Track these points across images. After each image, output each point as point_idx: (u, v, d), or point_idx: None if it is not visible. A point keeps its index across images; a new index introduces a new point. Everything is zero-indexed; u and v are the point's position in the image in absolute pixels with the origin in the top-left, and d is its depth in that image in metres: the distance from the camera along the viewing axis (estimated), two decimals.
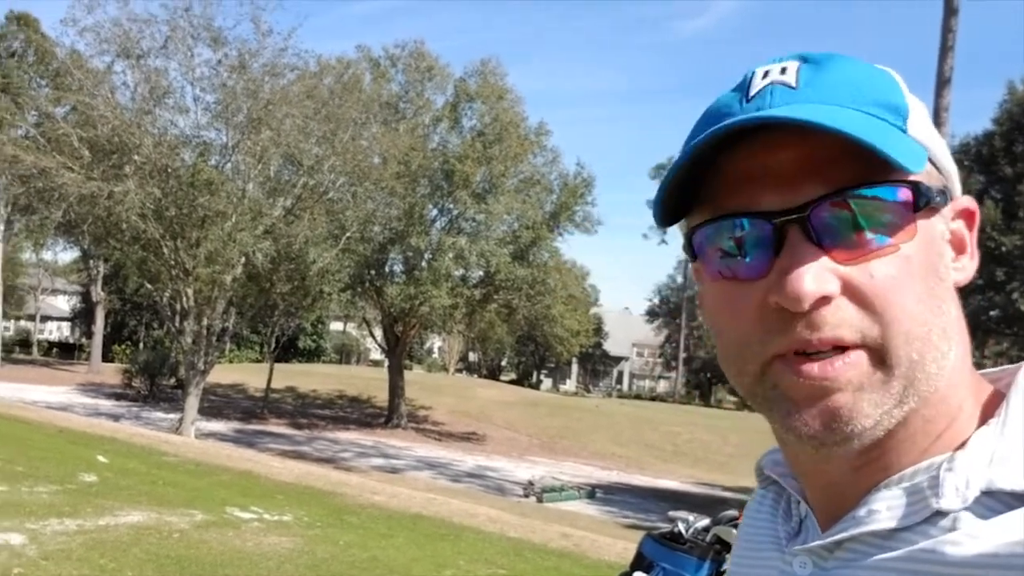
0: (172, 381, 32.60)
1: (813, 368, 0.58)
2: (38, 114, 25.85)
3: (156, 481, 9.84)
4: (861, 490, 0.62)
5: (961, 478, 0.58)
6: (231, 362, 45.64)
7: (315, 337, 58.38)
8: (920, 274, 0.59)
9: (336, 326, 63.25)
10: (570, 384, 70.88)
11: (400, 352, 32.53)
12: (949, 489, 0.58)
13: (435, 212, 31.05)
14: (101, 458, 10.86)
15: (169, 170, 21.00)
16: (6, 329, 50.49)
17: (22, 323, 59.06)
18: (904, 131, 0.60)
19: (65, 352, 53.71)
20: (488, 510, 11.18)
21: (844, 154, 0.57)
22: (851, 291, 0.57)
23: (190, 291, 21.51)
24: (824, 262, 0.57)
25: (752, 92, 0.62)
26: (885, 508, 0.60)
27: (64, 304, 63.16)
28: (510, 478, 22.00)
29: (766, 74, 0.63)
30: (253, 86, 21.23)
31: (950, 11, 16.69)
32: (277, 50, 21.77)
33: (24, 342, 54.87)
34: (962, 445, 0.60)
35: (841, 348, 0.57)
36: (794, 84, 0.61)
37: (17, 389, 27.14)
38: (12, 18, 46.54)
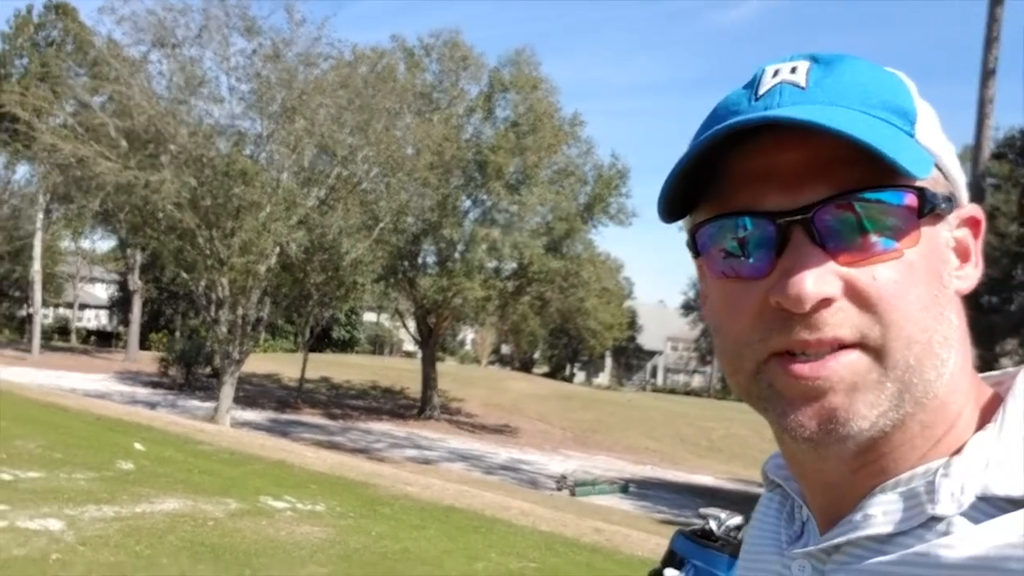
0: (208, 370, 32.96)
1: (805, 368, 0.57)
2: (76, 103, 26.14)
3: (191, 469, 9.90)
4: (858, 493, 0.62)
5: (956, 484, 0.58)
6: (266, 352, 46.00)
7: (349, 328, 58.74)
8: (923, 280, 0.59)
9: (370, 317, 63.54)
10: (603, 378, 70.70)
11: (433, 344, 32.57)
12: (945, 495, 0.58)
13: (468, 203, 31.01)
14: (138, 446, 10.96)
15: (204, 160, 21.14)
16: (45, 317, 51.37)
17: (61, 311, 60.03)
18: (912, 135, 0.59)
19: (103, 340, 54.55)
20: (520, 503, 11.14)
21: (850, 157, 0.57)
22: (853, 293, 0.57)
23: (225, 281, 21.65)
24: (826, 264, 0.57)
25: (761, 91, 0.62)
26: (881, 513, 0.60)
27: (102, 292, 64.09)
28: (543, 471, 21.95)
29: (776, 73, 0.62)
30: (287, 75, 21.31)
31: (996, 0, 16.32)
32: (311, 39, 21.84)
33: (63, 330, 55.81)
34: (959, 450, 0.60)
35: (838, 347, 0.57)
36: (803, 84, 0.60)
37: (56, 376, 27.59)
38: (51, 7, 47.24)
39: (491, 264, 30.16)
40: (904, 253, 0.58)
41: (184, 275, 23.73)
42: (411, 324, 35.58)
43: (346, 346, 58.17)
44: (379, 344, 64.73)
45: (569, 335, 55.74)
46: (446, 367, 40.65)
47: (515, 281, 30.48)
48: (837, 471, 0.62)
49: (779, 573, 0.69)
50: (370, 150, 22.12)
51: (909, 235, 0.58)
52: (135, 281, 44.53)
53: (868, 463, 0.61)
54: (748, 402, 0.63)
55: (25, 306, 51.49)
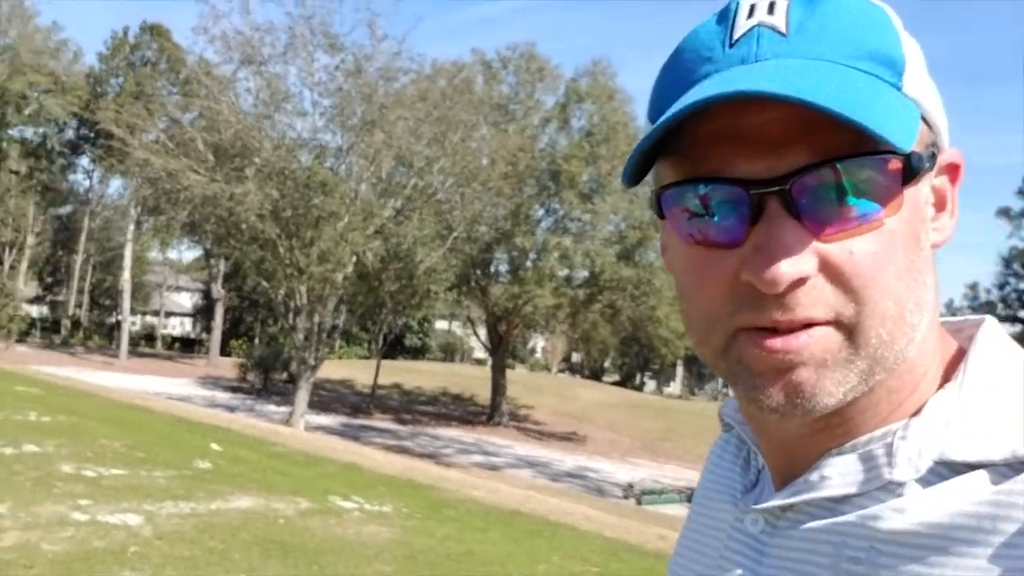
0: (284, 376, 33.81)
1: (776, 342, 0.55)
2: (168, 119, 27.21)
3: (265, 470, 10.21)
4: (816, 453, 0.60)
5: (914, 447, 0.56)
6: (340, 358, 46.90)
7: (421, 335, 59.47)
8: (901, 248, 0.56)
9: (442, 324, 64.23)
10: (675, 387, 69.90)
11: (503, 351, 32.77)
12: (902, 459, 0.56)
13: (541, 212, 31.17)
14: (215, 446, 11.35)
15: (287, 172, 21.78)
16: (133, 324, 53.34)
17: (148, 318, 62.25)
18: (899, 88, 0.56)
19: (186, 346, 56.42)
20: (586, 509, 11.16)
21: (832, 120, 0.51)
22: (828, 269, 0.54)
23: (303, 289, 22.22)
24: (803, 239, 0.53)
25: (736, 34, 0.56)
26: (837, 475, 0.59)
27: (187, 301, 66.24)
28: (610, 479, 21.88)
29: (751, 10, 0.57)
30: (368, 90, 21.82)
31: None
32: (391, 54, 22.34)
33: (149, 336, 57.87)
34: (918, 411, 0.58)
35: (810, 324, 0.55)
36: (783, 30, 0.55)
37: (142, 381, 28.68)
38: (146, 28, 49.17)
39: (562, 272, 30.23)
40: (885, 223, 0.54)
41: (264, 284, 24.45)
42: (482, 332, 35.89)
43: (418, 353, 58.87)
44: (450, 351, 65.31)
45: (640, 343, 55.16)
46: (516, 375, 40.82)
47: (586, 289, 30.48)
48: (798, 432, 0.61)
49: (731, 524, 0.67)
50: (446, 161, 22.47)
51: (891, 204, 0.54)
52: (218, 290, 45.96)
53: (831, 426, 0.59)
54: (716, 372, 0.61)
55: (115, 314, 53.62)
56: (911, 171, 0.54)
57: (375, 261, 22.72)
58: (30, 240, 48.86)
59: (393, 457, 14.05)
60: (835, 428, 0.59)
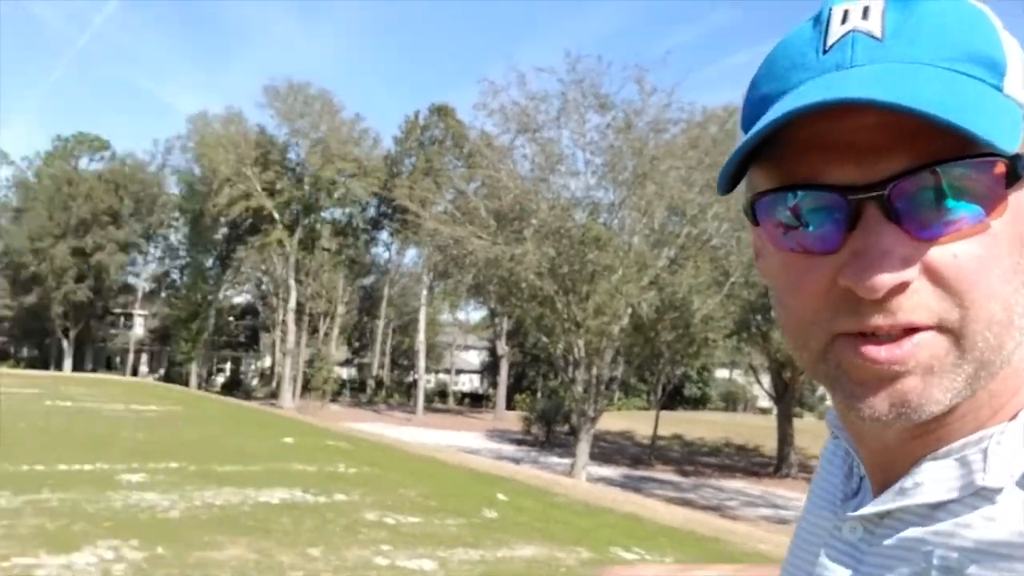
0: (566, 428, 34.57)
1: (880, 351, 0.53)
2: (454, 191, 29.37)
3: (548, 519, 10.44)
4: (913, 458, 0.59)
5: (1009, 453, 0.54)
6: (619, 410, 47.15)
7: (700, 384, 58.36)
8: (1007, 250, 0.53)
9: (722, 373, 62.57)
10: None
11: (789, 399, 31.32)
12: (996, 464, 0.54)
13: None
14: (501, 496, 11.80)
15: (562, 231, 22.55)
16: (428, 381, 57.23)
17: (441, 376, 66.55)
18: (1000, 89, 0.53)
19: (475, 401, 59.53)
20: None
21: (932, 125, 0.49)
22: (931, 273, 0.52)
23: (581, 343, 22.71)
24: (903, 243, 0.52)
25: (830, 41, 0.55)
26: (932, 481, 0.57)
27: (475, 358, 70.06)
28: None
29: (845, 16, 0.55)
30: (638, 144, 22.15)
31: None
32: (661, 107, 22.54)
33: (442, 393, 61.82)
34: (1015, 416, 0.56)
35: (912, 330, 0.53)
36: (879, 34, 0.53)
37: (436, 435, 30.63)
38: (433, 110, 53.62)
39: None
40: (991, 225, 0.52)
41: (544, 339, 25.30)
42: (765, 379, 34.56)
43: (698, 403, 57.74)
44: (732, 401, 63.34)
45: None
46: (804, 423, 38.67)
47: None
48: (897, 438, 0.59)
49: (829, 532, 0.66)
50: (720, 207, 22.15)
51: (994, 206, 0.52)
52: (502, 347, 48.21)
53: (928, 431, 0.58)
54: (814, 378, 0.60)
55: (412, 373, 57.96)
56: (1015, 174, 0.52)
57: (650, 312, 22.76)
58: (340, 309, 54.36)
59: (674, 508, 13.80)
60: (932, 433, 0.58)
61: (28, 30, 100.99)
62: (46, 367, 54.04)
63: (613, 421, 37.27)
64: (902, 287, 0.52)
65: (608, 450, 32.53)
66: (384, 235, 57.71)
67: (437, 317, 59.05)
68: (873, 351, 0.53)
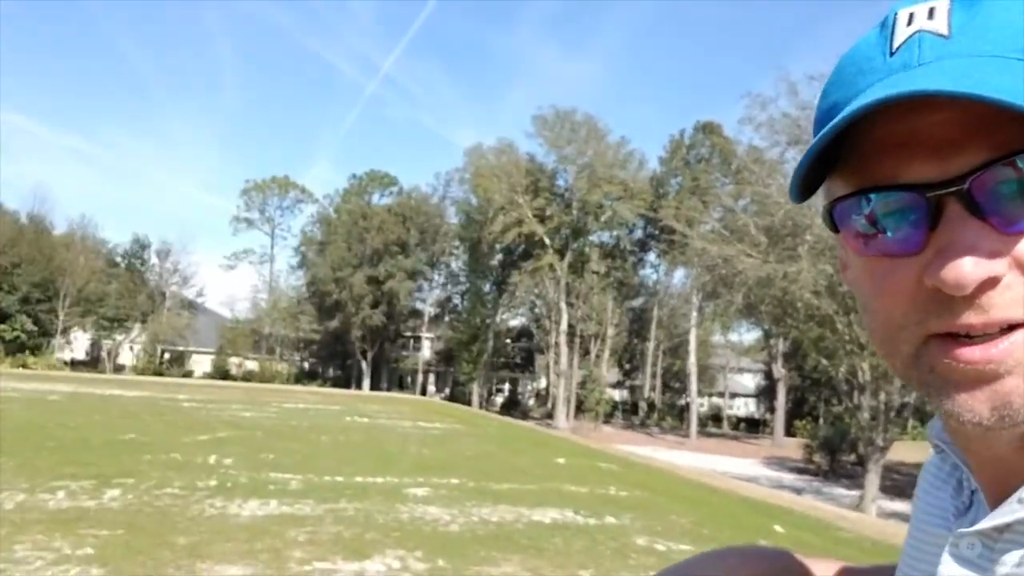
0: (852, 457, 32.37)
1: (974, 352, 0.50)
2: (722, 209, 28.77)
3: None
4: None
5: None
6: (914, 439, 43.41)
7: None
8: None
9: None
10: None
11: None
12: None
13: None
14: (779, 528, 11.23)
15: None
16: (700, 405, 56.23)
17: (714, 399, 65.12)
18: None
19: (751, 426, 57.51)
20: None
21: (1006, 114, 0.48)
22: (1022, 266, 0.50)
23: (865, 365, 21.27)
24: (989, 237, 0.49)
25: (896, 43, 0.53)
26: None
27: (749, 381, 67.84)
28: None
29: (911, 18, 0.53)
30: None
31: None
32: None
33: (715, 416, 60.40)
34: None
35: (1009, 327, 0.50)
36: (945, 32, 0.51)
37: (710, 460, 29.87)
38: (699, 127, 53.14)
39: None
40: None
41: (824, 362, 23.96)
42: None
43: None
44: None
45: None
46: None
47: None
48: (1008, 445, 0.54)
49: (946, 550, 0.59)
50: None
51: None
52: (778, 370, 46.25)
53: None
54: (907, 384, 0.55)
55: (684, 396, 57.21)
56: None
57: None
58: (610, 331, 55.01)
59: None
60: None
61: (325, 78, 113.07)
62: (347, 386, 59.62)
63: (908, 452, 34.35)
64: (993, 282, 0.50)
65: (902, 483, 30.00)
66: (652, 256, 57.87)
67: (708, 339, 57.95)
68: (967, 351, 0.51)
